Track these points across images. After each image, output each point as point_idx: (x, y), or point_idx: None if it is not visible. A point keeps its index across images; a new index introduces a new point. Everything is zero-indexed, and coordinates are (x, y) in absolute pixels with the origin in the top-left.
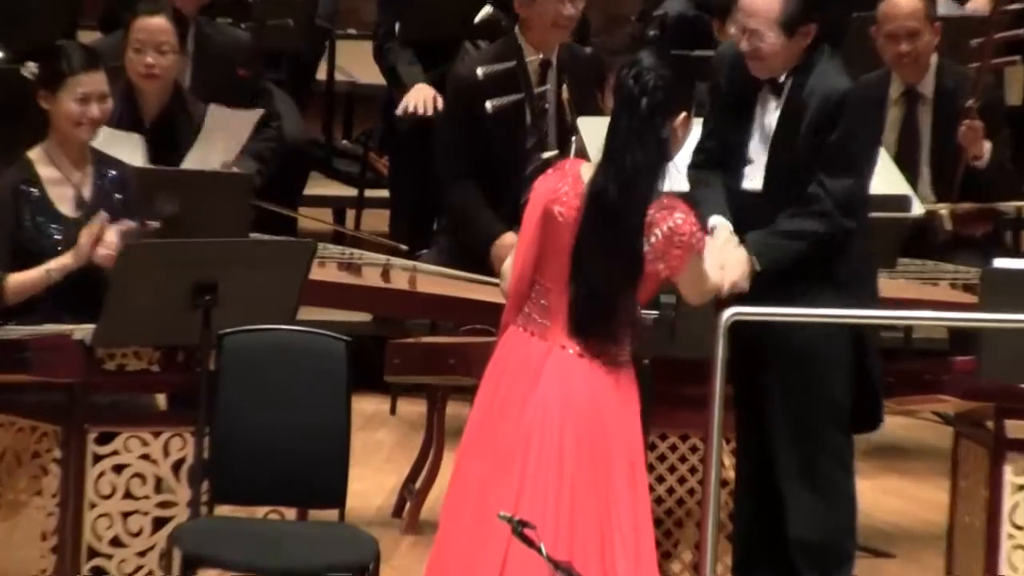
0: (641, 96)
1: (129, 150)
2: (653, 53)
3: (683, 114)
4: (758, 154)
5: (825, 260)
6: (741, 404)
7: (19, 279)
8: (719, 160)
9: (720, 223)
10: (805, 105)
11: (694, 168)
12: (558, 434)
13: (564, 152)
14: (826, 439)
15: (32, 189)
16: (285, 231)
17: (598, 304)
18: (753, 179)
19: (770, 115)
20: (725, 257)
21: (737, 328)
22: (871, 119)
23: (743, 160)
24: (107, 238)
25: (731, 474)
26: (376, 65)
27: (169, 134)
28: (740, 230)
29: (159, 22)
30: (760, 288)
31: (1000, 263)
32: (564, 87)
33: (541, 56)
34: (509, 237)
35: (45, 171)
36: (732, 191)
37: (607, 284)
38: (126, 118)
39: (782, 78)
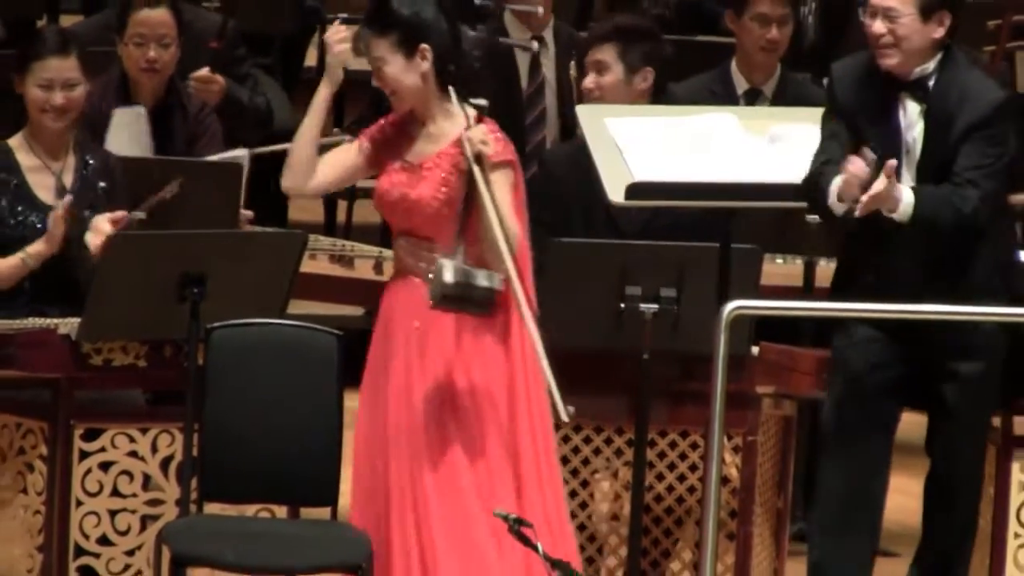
0: None
1: (135, 127)
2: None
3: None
4: (901, 161)
5: (984, 252)
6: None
7: None
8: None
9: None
10: (954, 113)
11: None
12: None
13: (568, 134)
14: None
15: (11, 177)
16: (275, 222)
17: None
18: (905, 207)
19: (913, 124)
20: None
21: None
22: (1019, 127)
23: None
24: (99, 226)
25: (732, 471)
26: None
27: (164, 126)
28: (884, 240)
29: (161, 14)
30: (908, 276)
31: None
32: (572, 65)
33: (531, 36)
34: None
35: (25, 159)
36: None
37: None
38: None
39: (923, 81)
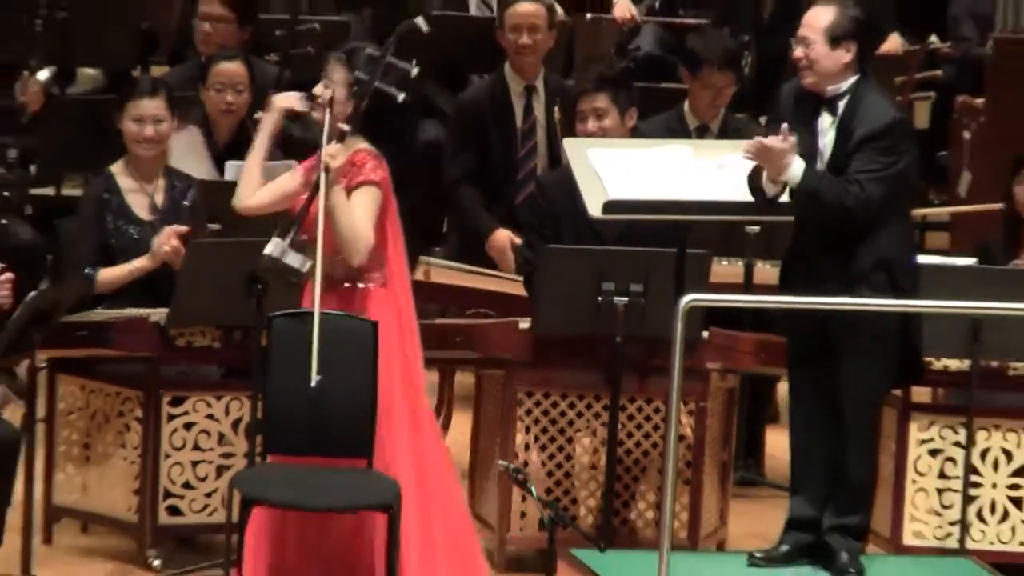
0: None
1: (194, 145)
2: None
3: None
4: (815, 161)
5: (873, 241)
6: (800, 359)
7: (107, 275)
8: None
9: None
10: (853, 124)
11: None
12: None
13: (555, 163)
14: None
15: (113, 197)
16: None
17: None
18: (796, 175)
19: (825, 130)
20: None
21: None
22: (909, 147)
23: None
24: (166, 233)
25: (687, 431)
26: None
27: (236, 155)
28: (797, 238)
29: (237, 66)
30: (811, 266)
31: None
32: (556, 109)
33: (525, 83)
34: (499, 234)
35: (124, 182)
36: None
37: None
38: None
39: (836, 99)
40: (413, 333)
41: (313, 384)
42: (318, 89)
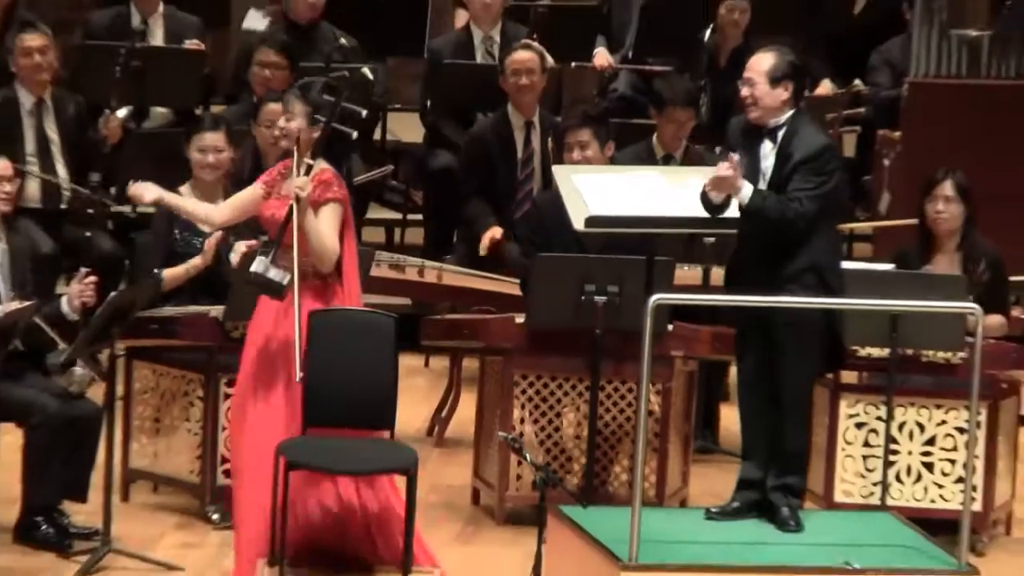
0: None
1: None
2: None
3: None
4: (758, 181)
5: (804, 249)
6: (746, 347)
7: (170, 274)
8: None
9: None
10: (791, 149)
11: None
12: None
13: (548, 185)
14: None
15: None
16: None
17: None
18: (746, 194)
19: (766, 155)
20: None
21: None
22: (837, 170)
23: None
24: (238, 248)
25: (655, 407)
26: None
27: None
28: (740, 246)
29: (280, 109)
30: (746, 266)
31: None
32: (549, 141)
33: (525, 120)
34: (490, 234)
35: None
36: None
37: None
38: (254, 170)
39: (776, 130)
40: None
41: (297, 379)
42: (282, 122)
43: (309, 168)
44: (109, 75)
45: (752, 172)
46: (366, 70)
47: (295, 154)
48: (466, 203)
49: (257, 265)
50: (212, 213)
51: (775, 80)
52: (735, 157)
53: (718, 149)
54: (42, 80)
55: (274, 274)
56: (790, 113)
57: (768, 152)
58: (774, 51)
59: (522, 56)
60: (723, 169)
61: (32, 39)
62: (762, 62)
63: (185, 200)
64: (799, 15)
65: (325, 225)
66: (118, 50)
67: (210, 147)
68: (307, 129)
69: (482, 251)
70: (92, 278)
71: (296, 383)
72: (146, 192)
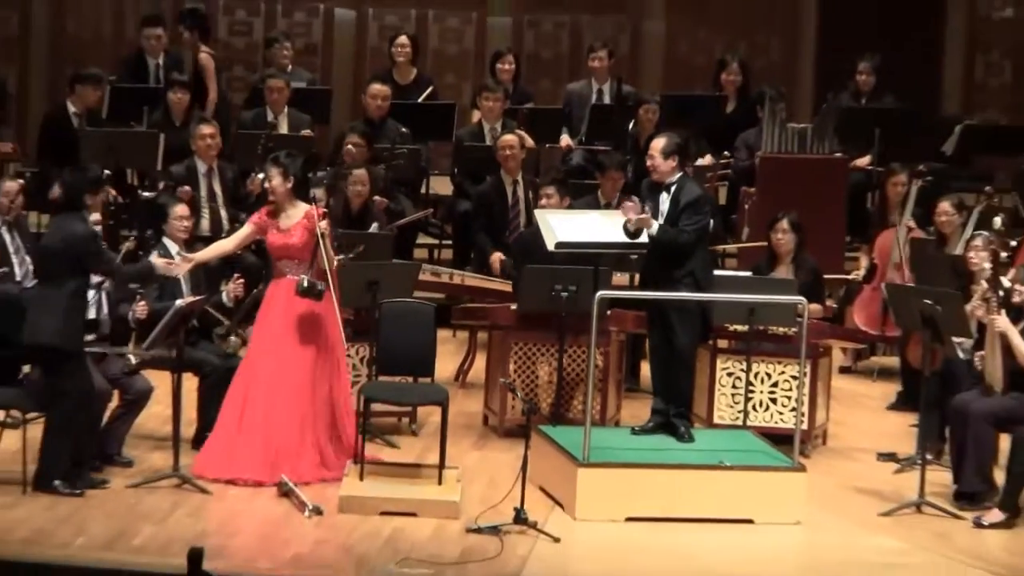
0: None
1: None
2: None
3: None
4: (659, 219)
5: (687, 262)
6: (651, 321)
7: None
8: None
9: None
10: (680, 198)
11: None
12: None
13: (530, 223)
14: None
15: None
16: (406, 258)
17: None
18: (654, 228)
19: (664, 202)
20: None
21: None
22: (710, 211)
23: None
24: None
25: (600, 362)
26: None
27: (361, 222)
28: (647, 257)
29: (362, 172)
30: (652, 274)
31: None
32: (530, 193)
33: (512, 179)
34: (494, 255)
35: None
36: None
37: None
38: (344, 211)
39: (670, 186)
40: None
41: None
42: (273, 183)
43: (324, 216)
44: (252, 152)
45: (655, 213)
46: (319, 194)
47: (318, 226)
48: (477, 235)
49: (305, 281)
50: (225, 246)
51: (666, 155)
52: (635, 198)
53: (635, 198)
54: (211, 155)
55: (319, 285)
56: (679, 175)
57: (665, 200)
58: (665, 136)
59: (507, 138)
60: (633, 211)
61: (206, 129)
62: (658, 143)
63: (204, 252)
64: (689, 114)
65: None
66: (258, 136)
67: (318, 199)
68: (282, 184)
69: (492, 267)
70: (241, 280)
71: (333, 349)
72: (177, 268)
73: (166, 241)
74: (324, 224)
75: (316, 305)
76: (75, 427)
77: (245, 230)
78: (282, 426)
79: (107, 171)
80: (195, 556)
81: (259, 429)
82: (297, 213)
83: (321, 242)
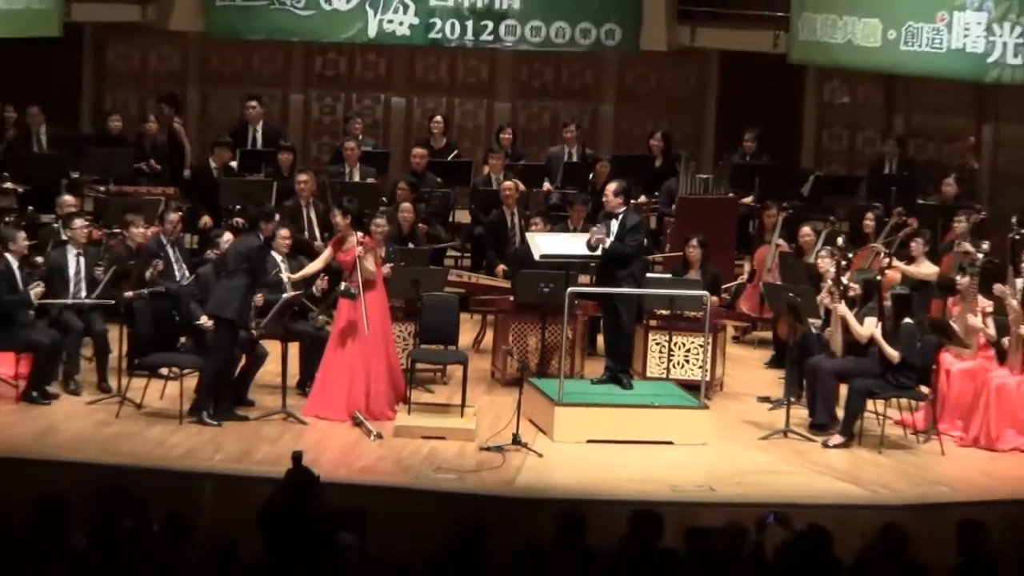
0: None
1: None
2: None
3: None
4: (611, 236)
5: (629, 267)
6: (604, 307)
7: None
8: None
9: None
10: (625, 224)
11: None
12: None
13: (523, 243)
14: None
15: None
16: (439, 265)
17: None
18: (607, 244)
19: (614, 226)
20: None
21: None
22: (646, 233)
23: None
24: (384, 270)
25: (571, 335)
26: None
27: (410, 240)
28: (600, 262)
29: (408, 206)
30: (604, 275)
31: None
32: (523, 222)
33: (510, 212)
34: (499, 267)
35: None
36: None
37: None
38: (398, 235)
39: (618, 215)
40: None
41: (366, 331)
42: (344, 233)
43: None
44: (334, 193)
45: (609, 234)
46: (447, 191)
47: (358, 250)
48: (487, 251)
49: (342, 286)
50: (317, 265)
51: (616, 194)
52: (601, 227)
53: (598, 225)
54: (307, 194)
55: (353, 290)
56: (624, 208)
57: (614, 225)
58: (616, 182)
59: (507, 184)
60: (597, 234)
61: (301, 177)
62: (610, 187)
63: (308, 268)
64: (630, 169)
65: (369, 264)
66: (336, 183)
67: (378, 227)
68: (343, 221)
69: (497, 273)
70: (326, 278)
71: (369, 332)
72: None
73: (274, 253)
74: (360, 249)
75: (373, 300)
76: (221, 376)
77: (325, 252)
78: (368, 380)
79: (238, 206)
80: (297, 456)
81: (357, 381)
82: (353, 241)
83: (358, 262)
